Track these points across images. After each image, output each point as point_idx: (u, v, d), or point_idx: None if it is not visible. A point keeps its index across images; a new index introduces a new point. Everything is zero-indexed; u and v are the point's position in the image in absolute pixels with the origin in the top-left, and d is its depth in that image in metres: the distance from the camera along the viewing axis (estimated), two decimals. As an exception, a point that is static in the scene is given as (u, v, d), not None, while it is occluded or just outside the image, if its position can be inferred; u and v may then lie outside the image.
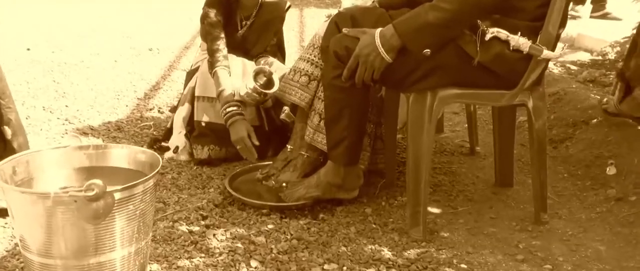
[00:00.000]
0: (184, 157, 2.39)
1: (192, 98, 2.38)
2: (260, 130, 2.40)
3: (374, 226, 1.93)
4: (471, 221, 2.01)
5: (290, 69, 2.13)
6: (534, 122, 1.88)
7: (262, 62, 2.47)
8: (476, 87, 1.80)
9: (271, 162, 2.23)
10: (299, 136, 2.17)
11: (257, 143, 2.18)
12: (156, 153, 1.48)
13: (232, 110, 2.21)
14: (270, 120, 2.43)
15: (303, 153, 2.14)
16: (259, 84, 2.19)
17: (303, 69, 2.11)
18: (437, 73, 1.74)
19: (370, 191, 2.19)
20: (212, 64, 2.27)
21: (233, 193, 2.06)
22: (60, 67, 3.51)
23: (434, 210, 2.07)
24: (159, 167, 1.41)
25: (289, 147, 2.20)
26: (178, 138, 2.39)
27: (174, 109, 2.58)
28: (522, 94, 1.84)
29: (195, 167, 2.37)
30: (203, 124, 2.33)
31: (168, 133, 2.49)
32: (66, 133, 2.58)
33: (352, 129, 1.88)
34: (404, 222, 1.95)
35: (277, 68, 2.37)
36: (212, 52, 2.28)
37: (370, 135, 2.18)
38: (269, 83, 2.21)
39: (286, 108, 2.32)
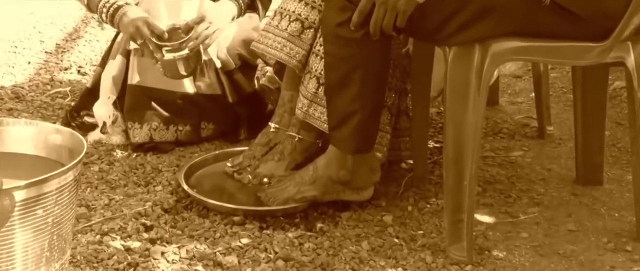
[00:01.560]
0: (117, 138, 2.43)
1: (128, 51, 2.41)
2: (223, 102, 2.44)
3: (395, 241, 1.96)
4: (539, 236, 2.02)
5: (275, 12, 2.16)
6: (636, 89, 1.89)
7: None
8: (548, 37, 1.80)
9: (246, 149, 2.25)
10: (286, 110, 2.20)
11: (161, 30, 2.25)
12: (77, 133, 1.49)
13: (115, 1, 2.29)
14: (236, 88, 2.47)
15: (293, 134, 2.18)
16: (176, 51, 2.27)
17: (293, 12, 2.13)
18: (489, 18, 1.74)
19: (390, 190, 2.22)
20: None
21: (190, 192, 2.09)
22: None
23: (485, 219, 2.10)
24: (82, 154, 1.41)
25: (272, 125, 2.23)
26: (105, 108, 2.41)
27: (102, 65, 2.56)
28: (618, 48, 1.84)
29: (134, 155, 2.39)
30: (134, 85, 2.36)
31: (88, 98, 2.51)
32: None
33: (364, 100, 1.91)
34: (440, 236, 1.97)
35: (214, 18, 2.35)
36: None
37: (391, 109, 2.19)
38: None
39: (268, 70, 2.43)
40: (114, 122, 2.41)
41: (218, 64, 2.44)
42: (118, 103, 2.41)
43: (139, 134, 2.38)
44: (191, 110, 2.43)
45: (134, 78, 2.38)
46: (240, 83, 2.48)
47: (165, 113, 2.39)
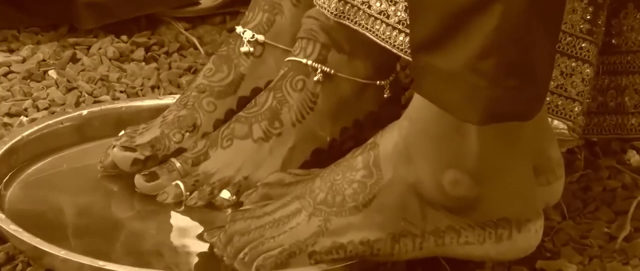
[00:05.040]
0: None
1: None
2: None
3: None
4: None
5: None
6: None
7: None
8: None
9: (172, 101, 1.55)
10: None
11: None
12: None
13: None
14: None
15: (308, 62, 1.44)
16: None
17: None
18: None
19: (594, 230, 1.48)
20: None
21: (9, 230, 1.36)
22: None
23: None
24: None
25: (245, 35, 1.54)
26: None
27: None
28: None
29: None
30: None
31: None
32: None
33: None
34: None
35: None
36: None
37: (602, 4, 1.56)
38: None
39: None
40: None
41: None
42: None
43: None
44: None
45: None
46: None
47: None
